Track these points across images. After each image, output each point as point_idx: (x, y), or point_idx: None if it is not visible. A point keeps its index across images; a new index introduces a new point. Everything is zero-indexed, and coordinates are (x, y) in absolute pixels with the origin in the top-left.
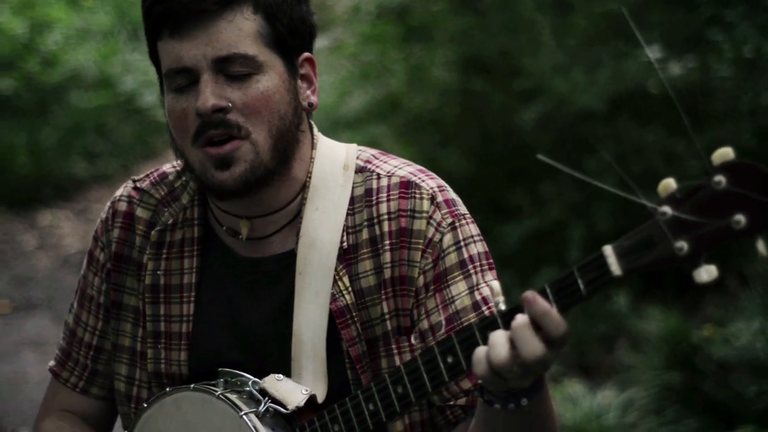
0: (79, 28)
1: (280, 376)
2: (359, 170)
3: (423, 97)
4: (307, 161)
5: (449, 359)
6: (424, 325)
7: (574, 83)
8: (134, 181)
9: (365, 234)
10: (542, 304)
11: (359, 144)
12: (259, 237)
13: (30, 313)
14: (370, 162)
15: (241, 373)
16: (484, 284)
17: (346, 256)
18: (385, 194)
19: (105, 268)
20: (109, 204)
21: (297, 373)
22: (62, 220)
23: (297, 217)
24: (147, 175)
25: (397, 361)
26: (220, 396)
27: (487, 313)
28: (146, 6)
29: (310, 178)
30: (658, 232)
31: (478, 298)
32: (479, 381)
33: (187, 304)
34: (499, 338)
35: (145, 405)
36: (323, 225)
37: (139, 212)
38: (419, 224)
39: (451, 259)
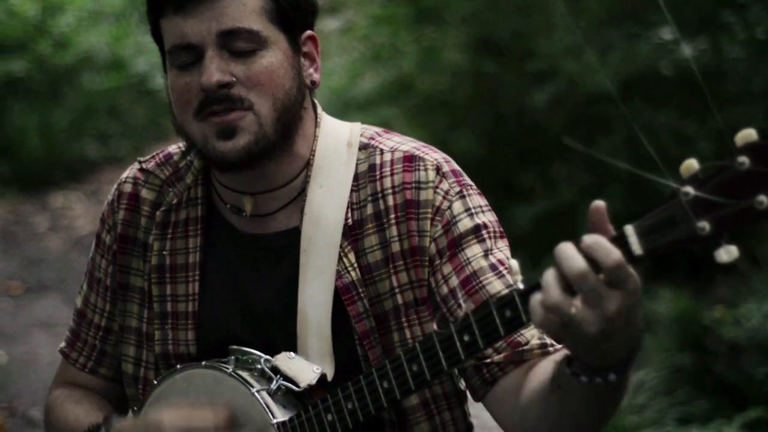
0: (91, 10)
1: (292, 354)
2: (363, 147)
3: (434, 79)
4: (310, 139)
5: (466, 338)
6: (443, 290)
7: (586, 65)
8: (140, 163)
9: (370, 209)
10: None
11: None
12: (263, 214)
13: (41, 295)
14: (373, 139)
15: (253, 351)
16: (497, 250)
17: (352, 233)
18: (388, 168)
19: (111, 249)
20: (115, 186)
21: (303, 351)
22: (74, 202)
23: (301, 194)
24: (152, 156)
25: (409, 335)
26: (232, 373)
27: (504, 273)
28: None
29: (313, 155)
30: (680, 212)
31: (494, 260)
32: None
33: (192, 283)
34: (548, 276)
35: (156, 382)
36: (327, 202)
37: (144, 193)
38: (426, 194)
39: (464, 224)
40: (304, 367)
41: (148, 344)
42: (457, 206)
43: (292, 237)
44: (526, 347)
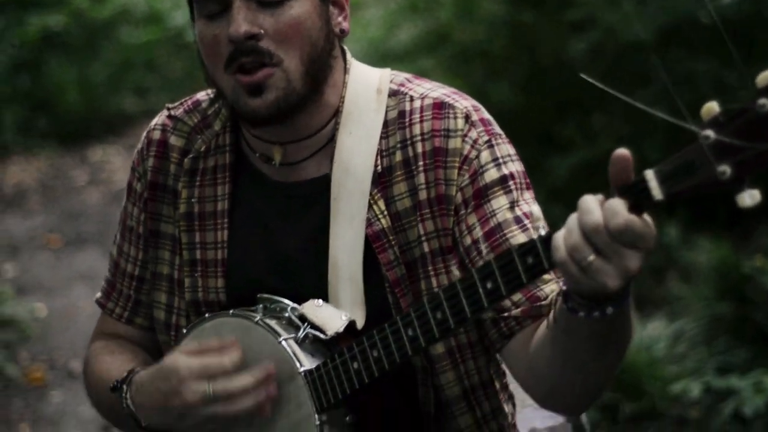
0: None
1: (320, 301)
2: (392, 94)
3: (472, 30)
4: (339, 87)
5: (489, 285)
6: (467, 241)
7: (624, 14)
8: (168, 110)
9: (399, 156)
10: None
11: None
12: (292, 162)
13: (81, 248)
14: (403, 85)
15: (280, 299)
16: (523, 201)
17: (381, 180)
18: (418, 115)
19: (142, 197)
20: (144, 134)
21: (334, 299)
22: (112, 156)
23: (330, 142)
24: (181, 103)
25: (435, 283)
26: (259, 322)
27: (529, 226)
28: None
29: (342, 103)
30: (701, 157)
31: (519, 213)
32: (564, 285)
33: (221, 231)
34: (572, 219)
35: (185, 331)
36: (357, 150)
37: (173, 140)
38: (454, 143)
39: (491, 174)
40: (332, 315)
41: (179, 291)
42: (485, 156)
43: (322, 185)
44: (544, 302)
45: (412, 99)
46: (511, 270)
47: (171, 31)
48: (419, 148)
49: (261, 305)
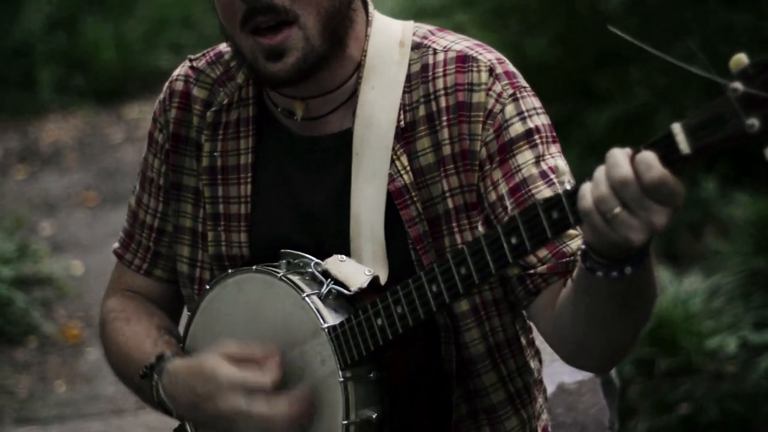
0: None
1: (343, 257)
2: (415, 47)
3: None
4: (361, 40)
5: (513, 240)
6: (492, 197)
7: None
8: (190, 61)
9: (422, 111)
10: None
11: None
12: (315, 117)
13: (117, 206)
14: (426, 38)
15: (304, 254)
16: (549, 156)
17: (404, 135)
18: (441, 69)
19: (164, 149)
20: (166, 84)
21: (356, 255)
22: (148, 113)
23: (353, 96)
24: (203, 54)
25: (460, 240)
26: (282, 278)
27: (555, 180)
28: None
29: (365, 56)
30: (729, 109)
31: (545, 167)
32: (582, 243)
33: (245, 185)
34: (599, 171)
35: (208, 287)
36: (380, 104)
37: (196, 92)
38: (478, 97)
39: (516, 129)
40: (356, 270)
41: (202, 244)
42: (510, 109)
43: (345, 139)
44: (570, 259)
45: (435, 52)
46: (536, 225)
47: None
48: (443, 103)
49: (284, 261)
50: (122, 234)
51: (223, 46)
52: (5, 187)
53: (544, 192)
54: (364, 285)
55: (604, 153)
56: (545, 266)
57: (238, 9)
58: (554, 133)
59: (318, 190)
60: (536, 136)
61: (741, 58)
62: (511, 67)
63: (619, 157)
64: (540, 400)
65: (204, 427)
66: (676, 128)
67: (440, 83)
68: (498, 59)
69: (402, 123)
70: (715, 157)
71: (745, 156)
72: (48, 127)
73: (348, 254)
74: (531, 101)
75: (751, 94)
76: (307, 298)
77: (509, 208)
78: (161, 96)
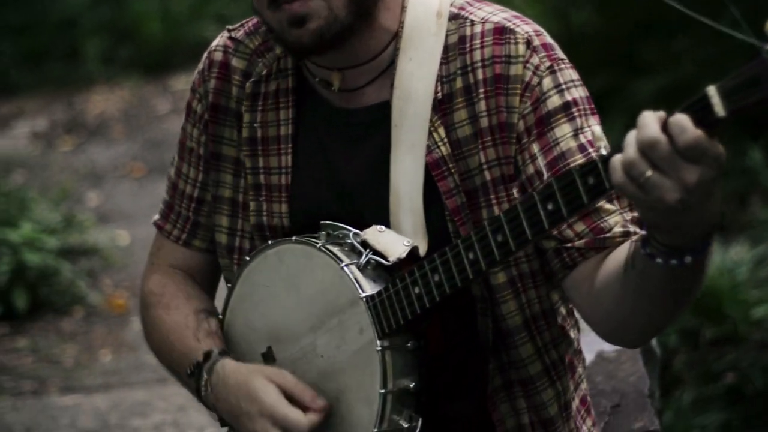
0: None
1: (382, 227)
2: (453, 17)
3: None
4: (396, 10)
5: (549, 206)
6: (529, 170)
7: None
8: (229, 31)
9: (459, 83)
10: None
11: None
12: (352, 88)
13: (163, 176)
14: (463, 9)
15: (343, 225)
16: (588, 128)
17: (441, 107)
18: (478, 41)
19: (203, 119)
20: (205, 55)
21: (396, 227)
22: None
23: (390, 67)
24: (241, 25)
25: (496, 212)
26: (322, 248)
27: (593, 154)
28: None
29: (402, 27)
30: (765, 71)
31: (584, 140)
32: (632, 221)
33: (285, 156)
34: (630, 135)
35: (248, 258)
36: (417, 75)
37: (235, 62)
38: (515, 69)
39: (553, 101)
40: (395, 241)
41: (243, 214)
42: (547, 82)
43: (383, 111)
44: (608, 234)
45: (472, 23)
46: (572, 191)
47: None
48: (480, 75)
49: (324, 232)
50: (162, 205)
51: None
52: (51, 158)
53: None
54: (403, 255)
55: None
56: (583, 241)
57: None
58: (592, 105)
59: (356, 162)
60: (574, 109)
61: None
62: (549, 39)
63: (649, 118)
64: (579, 369)
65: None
66: (711, 91)
67: (477, 55)
68: (535, 31)
69: (439, 95)
70: (761, 126)
71: None
72: (94, 99)
73: (387, 227)
74: (569, 73)
75: None
76: (345, 268)
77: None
78: (200, 66)
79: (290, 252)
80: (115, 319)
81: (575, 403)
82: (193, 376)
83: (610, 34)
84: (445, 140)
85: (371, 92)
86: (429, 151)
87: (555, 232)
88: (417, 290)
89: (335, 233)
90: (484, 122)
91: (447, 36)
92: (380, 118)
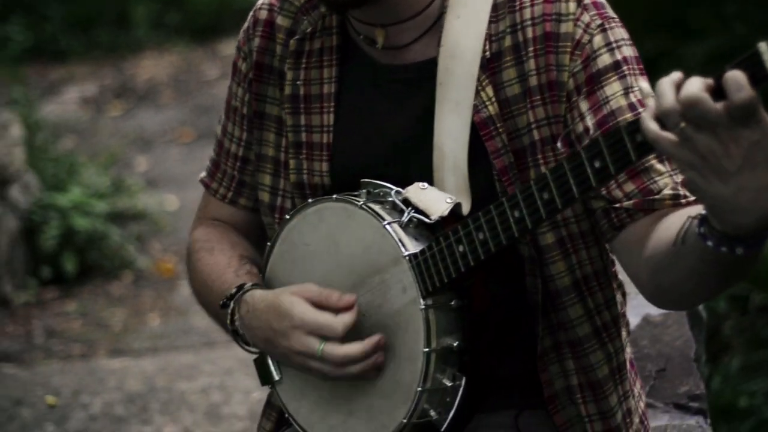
0: None
1: (425, 184)
2: None
3: None
4: None
5: (596, 163)
6: (578, 128)
7: None
8: None
9: (508, 41)
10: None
11: None
12: (397, 46)
13: (211, 142)
14: None
15: (384, 183)
16: (638, 87)
17: (490, 65)
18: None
19: (247, 78)
20: (250, 13)
21: (439, 185)
22: None
23: (436, 24)
24: None
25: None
26: (363, 206)
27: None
28: None
29: None
30: None
31: (634, 99)
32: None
33: (327, 114)
34: (665, 84)
35: (288, 217)
36: (465, 33)
37: (280, 20)
38: (566, 27)
39: (604, 60)
40: (437, 198)
41: (284, 173)
42: (598, 40)
43: (429, 69)
44: (657, 196)
45: None
46: (620, 148)
47: None
48: (529, 33)
49: (364, 190)
50: (209, 163)
51: None
52: (101, 123)
53: None
54: (445, 213)
55: None
56: (631, 201)
57: None
58: (641, 65)
59: (400, 119)
60: (624, 68)
61: None
62: None
63: (696, 80)
64: (623, 333)
65: (279, 361)
66: (763, 47)
67: (527, 13)
68: None
69: (488, 53)
70: None
71: None
72: (143, 64)
73: (431, 185)
74: (619, 32)
75: None
76: (387, 226)
77: None
78: (245, 25)
79: (330, 210)
80: (163, 284)
81: (625, 367)
82: (226, 307)
83: None
84: (494, 99)
85: (417, 49)
86: (477, 110)
87: (604, 192)
88: (461, 248)
89: (376, 191)
90: (534, 81)
91: None
92: (426, 75)
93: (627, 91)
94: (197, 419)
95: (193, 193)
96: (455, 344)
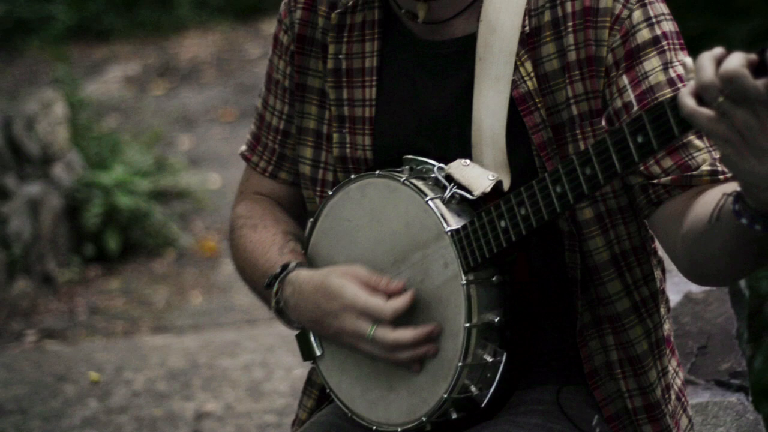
0: None
1: (467, 161)
2: None
3: None
4: None
5: (639, 139)
6: (617, 104)
7: None
8: None
9: (547, 16)
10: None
11: None
12: (439, 20)
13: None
14: None
15: (427, 159)
16: (677, 63)
17: (529, 41)
18: None
19: (289, 50)
20: None
21: (478, 161)
22: None
23: (477, 0)
24: None
25: (583, 147)
26: (405, 182)
27: (683, 88)
28: None
29: None
30: None
31: (673, 75)
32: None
33: (370, 88)
34: (704, 58)
35: (330, 193)
36: (504, 8)
37: None
38: (605, 2)
39: (643, 35)
40: (479, 174)
41: (327, 145)
42: (637, 15)
43: (469, 44)
44: (695, 172)
45: None
46: (663, 123)
47: None
48: (569, 8)
49: (407, 166)
50: (249, 136)
51: None
52: (144, 102)
53: None
54: (488, 189)
55: None
56: (669, 177)
57: None
58: (681, 40)
59: (441, 94)
60: (664, 43)
61: None
62: None
63: (737, 54)
64: (662, 309)
65: (326, 340)
66: None
67: None
68: None
69: (527, 28)
70: None
71: None
72: (186, 43)
73: (471, 160)
74: (659, 7)
75: None
76: (430, 202)
77: (635, 116)
78: None
79: (373, 186)
80: (205, 262)
81: (664, 343)
82: (270, 287)
83: None
84: (532, 75)
85: (458, 24)
86: (515, 85)
87: (642, 168)
88: (503, 224)
89: (418, 167)
90: (572, 56)
91: None
92: (466, 51)
93: (666, 66)
94: (239, 395)
95: (235, 172)
96: (496, 320)
